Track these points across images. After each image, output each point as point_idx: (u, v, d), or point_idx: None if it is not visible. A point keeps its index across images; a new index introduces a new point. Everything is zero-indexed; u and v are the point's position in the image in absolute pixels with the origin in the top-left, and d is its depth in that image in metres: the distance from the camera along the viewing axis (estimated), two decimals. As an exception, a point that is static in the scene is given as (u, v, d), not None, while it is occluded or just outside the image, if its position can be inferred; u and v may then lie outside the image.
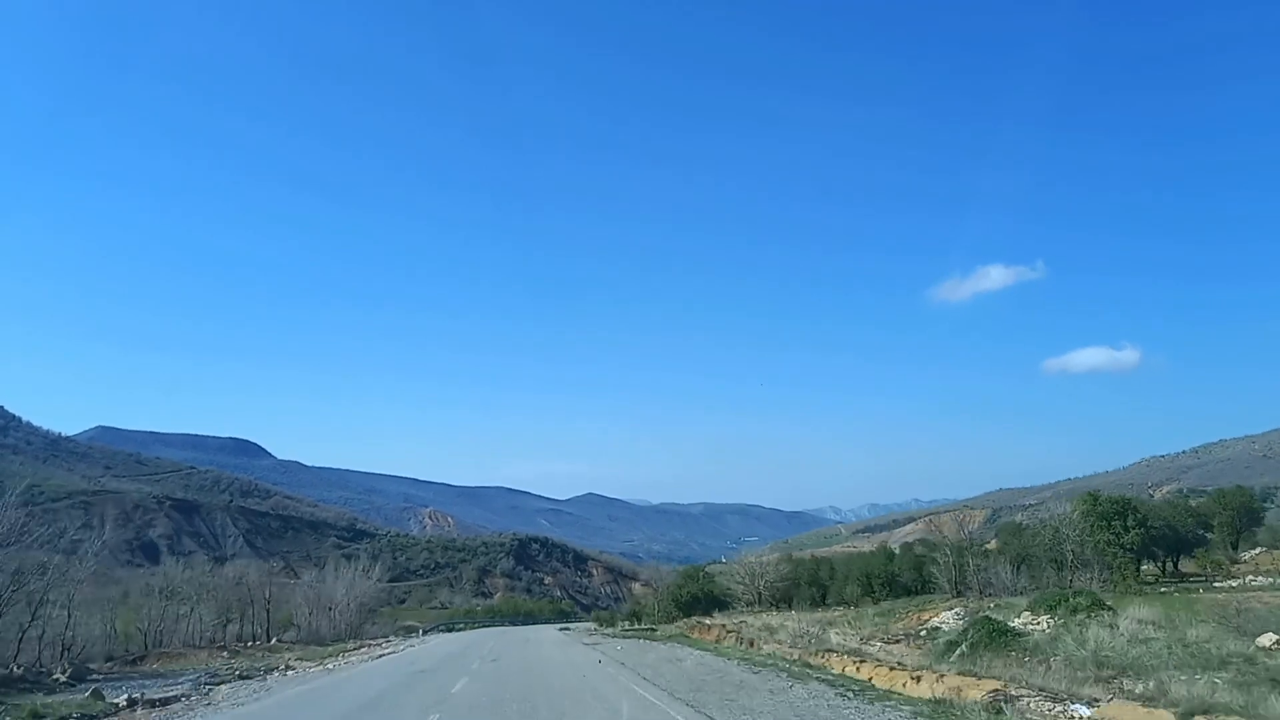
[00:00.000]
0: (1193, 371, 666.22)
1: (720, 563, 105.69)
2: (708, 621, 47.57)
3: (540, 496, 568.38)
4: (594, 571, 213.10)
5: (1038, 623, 23.88)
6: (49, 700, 19.72)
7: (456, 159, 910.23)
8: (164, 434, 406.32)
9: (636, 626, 61.48)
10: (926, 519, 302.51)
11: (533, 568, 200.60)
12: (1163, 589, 40.87)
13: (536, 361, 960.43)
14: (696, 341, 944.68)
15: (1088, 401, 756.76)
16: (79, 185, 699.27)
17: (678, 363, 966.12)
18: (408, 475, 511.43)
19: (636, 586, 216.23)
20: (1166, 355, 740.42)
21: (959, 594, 40.76)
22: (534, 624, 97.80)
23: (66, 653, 33.93)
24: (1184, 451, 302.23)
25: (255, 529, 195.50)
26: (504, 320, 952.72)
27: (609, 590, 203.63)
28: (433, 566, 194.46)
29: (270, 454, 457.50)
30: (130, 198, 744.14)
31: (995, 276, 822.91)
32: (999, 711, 12.27)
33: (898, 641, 27.69)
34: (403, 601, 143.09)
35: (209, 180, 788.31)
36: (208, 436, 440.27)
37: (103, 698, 20.17)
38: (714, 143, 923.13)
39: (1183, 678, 14.13)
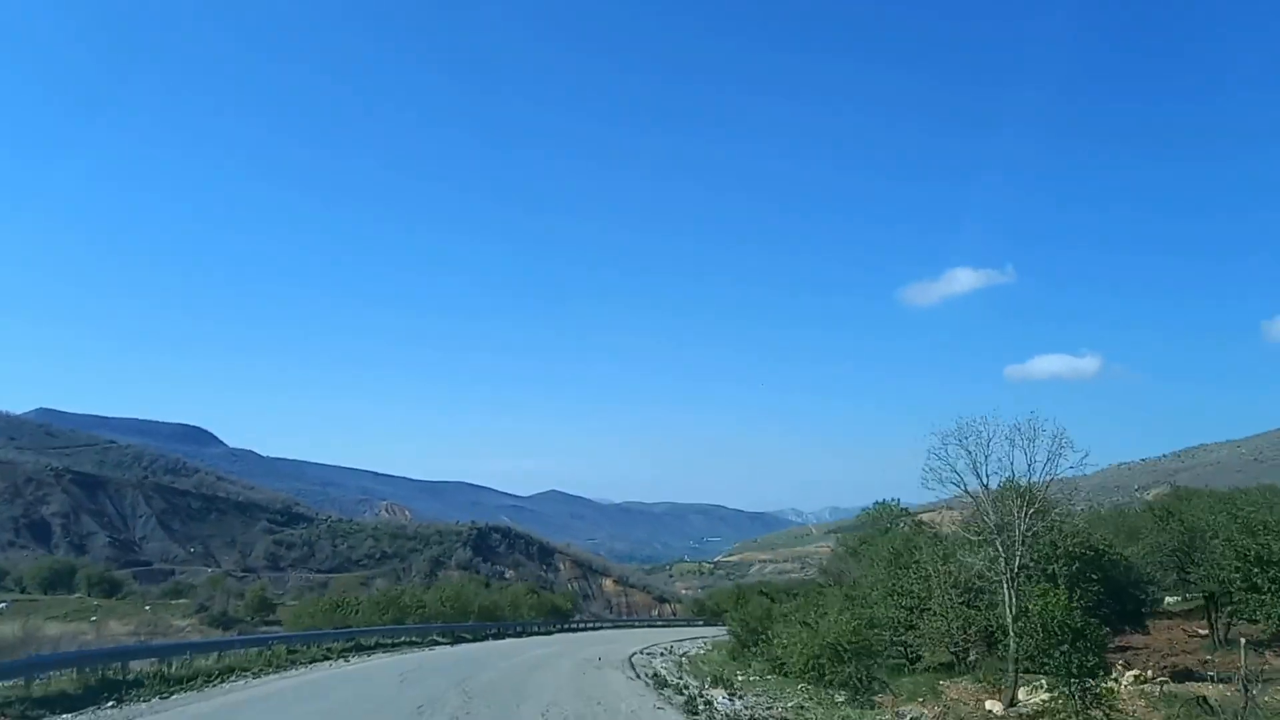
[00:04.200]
0: (1156, 380, 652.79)
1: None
2: None
3: (502, 493, 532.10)
4: (561, 565, 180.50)
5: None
6: None
7: (427, 153, 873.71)
8: (110, 418, 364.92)
9: None
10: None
11: (493, 560, 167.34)
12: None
13: (501, 357, 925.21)
14: (661, 341, 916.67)
15: (1049, 407, 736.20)
16: (48, 171, 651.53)
17: (641, 362, 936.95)
18: (367, 469, 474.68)
19: (607, 583, 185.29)
20: (1126, 363, 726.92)
21: None
22: (504, 637, 48.73)
23: None
24: (1165, 455, 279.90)
25: (172, 509, 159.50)
26: (468, 317, 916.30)
27: (577, 586, 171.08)
28: (379, 556, 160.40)
29: (222, 442, 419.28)
30: (114, 189, 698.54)
31: (964, 280, 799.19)
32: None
33: None
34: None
35: (175, 168, 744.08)
36: (157, 422, 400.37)
37: None
38: (685, 146, 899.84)
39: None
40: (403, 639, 39.75)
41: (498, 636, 48.93)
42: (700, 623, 77.84)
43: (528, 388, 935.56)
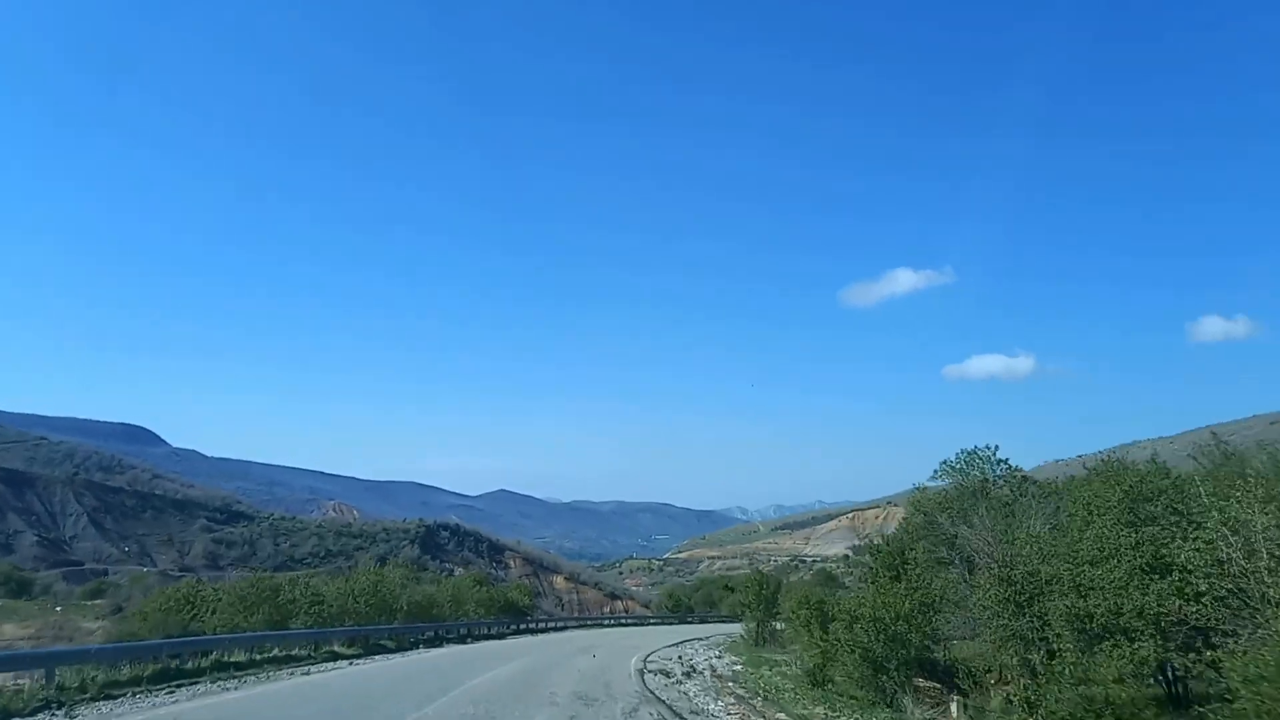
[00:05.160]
0: (1091, 377, 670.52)
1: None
2: None
3: (451, 492, 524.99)
4: (511, 563, 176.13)
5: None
6: None
7: (377, 154, 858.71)
8: (49, 417, 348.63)
9: None
10: (851, 515, 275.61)
11: (441, 557, 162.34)
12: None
13: (449, 358, 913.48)
14: (609, 341, 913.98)
15: (986, 406, 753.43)
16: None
17: (590, 362, 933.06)
18: (314, 469, 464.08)
19: (559, 580, 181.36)
20: (1060, 363, 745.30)
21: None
22: (443, 643, 36.92)
23: None
24: (1101, 451, 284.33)
25: (104, 507, 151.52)
26: (417, 317, 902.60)
27: (529, 584, 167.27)
28: (322, 554, 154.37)
29: (165, 442, 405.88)
30: (70, 191, 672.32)
31: (904, 280, 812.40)
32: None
33: None
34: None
35: (126, 172, 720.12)
36: (98, 421, 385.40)
37: None
38: (636, 145, 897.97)
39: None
40: (274, 652, 25.61)
41: (433, 643, 36.73)
42: (674, 621, 72.33)
43: (477, 388, 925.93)
